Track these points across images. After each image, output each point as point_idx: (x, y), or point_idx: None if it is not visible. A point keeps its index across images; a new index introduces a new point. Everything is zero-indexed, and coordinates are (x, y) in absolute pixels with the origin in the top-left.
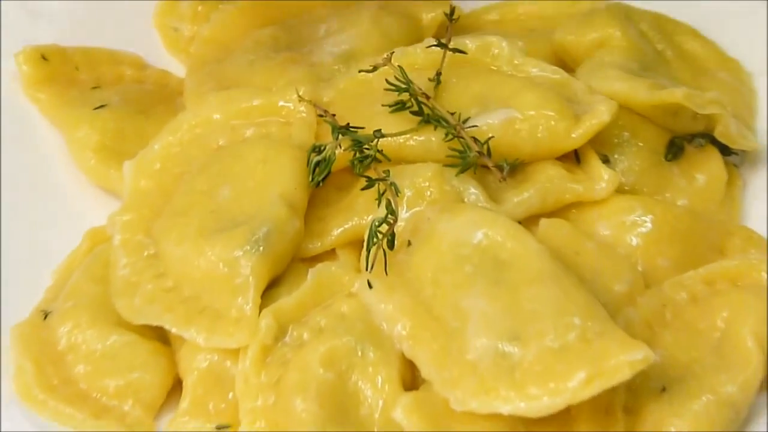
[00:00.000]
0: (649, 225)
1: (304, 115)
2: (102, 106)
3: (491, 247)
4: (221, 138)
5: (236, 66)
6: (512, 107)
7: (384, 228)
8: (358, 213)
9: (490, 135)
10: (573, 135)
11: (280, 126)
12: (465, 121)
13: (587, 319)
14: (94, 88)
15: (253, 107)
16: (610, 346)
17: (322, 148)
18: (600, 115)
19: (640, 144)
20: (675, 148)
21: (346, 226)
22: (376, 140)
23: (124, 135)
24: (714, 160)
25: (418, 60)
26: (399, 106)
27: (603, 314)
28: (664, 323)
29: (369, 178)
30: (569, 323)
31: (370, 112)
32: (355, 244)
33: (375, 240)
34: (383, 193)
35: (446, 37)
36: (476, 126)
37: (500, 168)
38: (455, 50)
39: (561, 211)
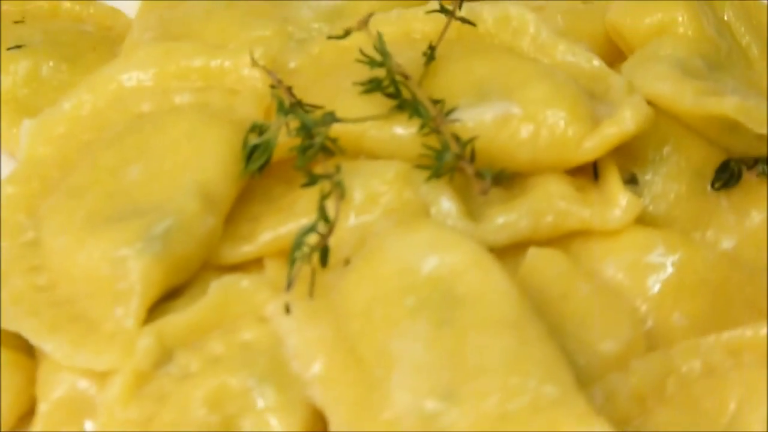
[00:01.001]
0: (669, 269)
1: (255, 83)
2: (18, 47)
3: (446, 278)
4: (146, 103)
5: (191, 13)
6: (513, 100)
7: (313, 239)
8: (298, 215)
9: (477, 134)
10: (586, 145)
11: (224, 95)
12: (450, 113)
13: (544, 381)
14: (17, 22)
15: (193, 68)
16: (562, 419)
17: (264, 128)
18: (623, 122)
19: (683, 164)
20: (727, 174)
21: (280, 231)
22: (328, 125)
23: (39, 87)
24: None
25: (416, 27)
26: (372, 86)
27: (567, 378)
28: (663, 398)
29: (310, 174)
30: (520, 384)
31: (339, 90)
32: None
33: (301, 253)
34: (327, 195)
35: (456, 1)
36: (462, 120)
37: (482, 176)
38: (463, 20)
39: (562, 239)
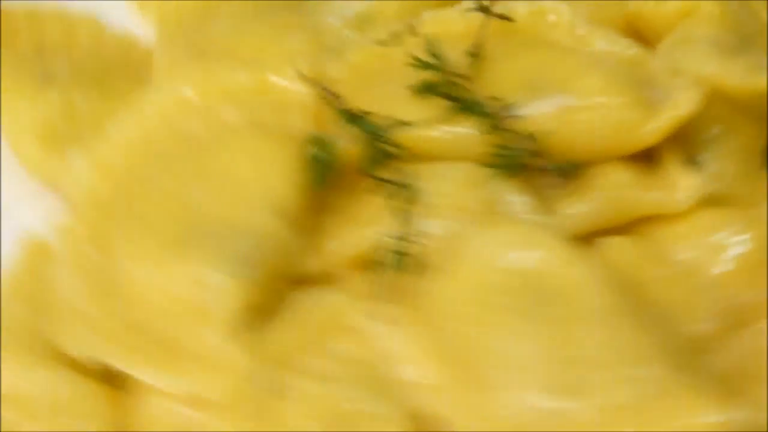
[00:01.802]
0: (742, 247)
1: (302, 96)
2: (48, 80)
3: (537, 274)
4: (196, 123)
5: (219, 31)
6: (569, 92)
7: (392, 245)
8: (368, 224)
9: (539, 128)
10: (647, 129)
11: (273, 110)
12: (510, 109)
13: (655, 368)
14: (38, 55)
15: (238, 86)
16: (692, 404)
17: (324, 140)
18: (683, 105)
19: (734, 143)
20: None
21: (352, 241)
22: (394, 131)
23: (75, 117)
24: None
25: (453, 27)
26: (426, 89)
27: (682, 363)
28: (753, 376)
29: (381, 180)
30: (638, 374)
31: (389, 95)
32: (365, 264)
33: (384, 260)
34: (399, 201)
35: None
36: (525, 115)
37: (553, 170)
38: (501, 16)
39: (628, 227)
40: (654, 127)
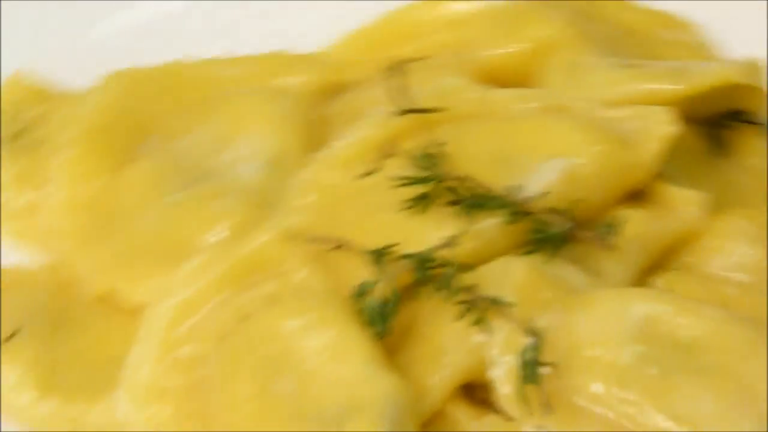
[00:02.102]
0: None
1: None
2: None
3: (660, 329)
4: (229, 329)
5: (138, 223)
6: (559, 154)
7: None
8: (452, 349)
9: (556, 195)
10: (643, 159)
11: (284, 282)
12: (519, 190)
13: None
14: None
15: (236, 275)
16: None
17: (367, 288)
18: (663, 126)
19: (681, 146)
20: (714, 139)
21: (446, 372)
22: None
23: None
24: (756, 137)
25: (382, 134)
26: (421, 202)
27: None
28: None
29: (459, 304)
30: None
31: (377, 220)
32: (465, 389)
33: (521, 374)
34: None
35: (397, 98)
36: (533, 192)
37: (600, 235)
38: (425, 110)
39: (665, 262)
40: (651, 155)
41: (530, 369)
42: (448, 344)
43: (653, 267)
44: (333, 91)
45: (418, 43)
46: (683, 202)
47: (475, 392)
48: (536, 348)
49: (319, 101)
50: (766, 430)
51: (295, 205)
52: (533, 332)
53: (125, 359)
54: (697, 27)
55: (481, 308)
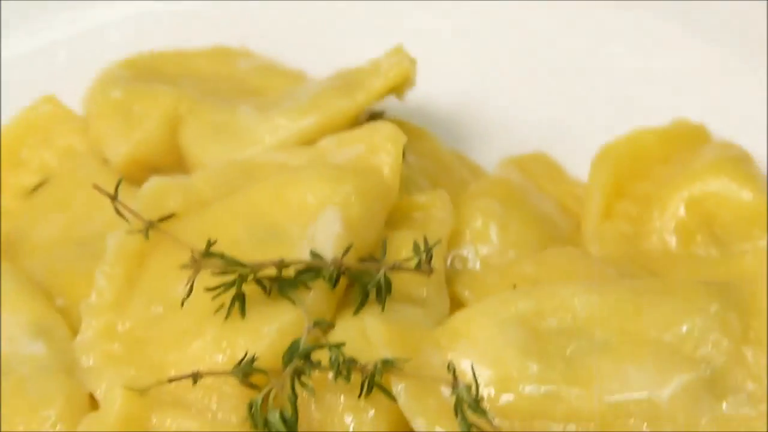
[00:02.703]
0: None
1: None
2: None
3: (542, 325)
4: None
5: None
6: (322, 207)
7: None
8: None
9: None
10: (391, 179)
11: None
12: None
13: None
14: None
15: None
16: None
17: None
18: (393, 140)
19: None
20: None
21: None
22: None
23: None
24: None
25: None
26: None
27: None
28: None
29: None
30: None
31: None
32: None
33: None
34: None
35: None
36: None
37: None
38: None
39: None
40: (393, 175)
41: (476, 408)
42: (358, 421)
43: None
44: None
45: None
46: (431, 206)
47: None
48: (469, 389)
49: None
50: (698, 373)
51: None
52: (453, 372)
53: None
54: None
55: (371, 376)
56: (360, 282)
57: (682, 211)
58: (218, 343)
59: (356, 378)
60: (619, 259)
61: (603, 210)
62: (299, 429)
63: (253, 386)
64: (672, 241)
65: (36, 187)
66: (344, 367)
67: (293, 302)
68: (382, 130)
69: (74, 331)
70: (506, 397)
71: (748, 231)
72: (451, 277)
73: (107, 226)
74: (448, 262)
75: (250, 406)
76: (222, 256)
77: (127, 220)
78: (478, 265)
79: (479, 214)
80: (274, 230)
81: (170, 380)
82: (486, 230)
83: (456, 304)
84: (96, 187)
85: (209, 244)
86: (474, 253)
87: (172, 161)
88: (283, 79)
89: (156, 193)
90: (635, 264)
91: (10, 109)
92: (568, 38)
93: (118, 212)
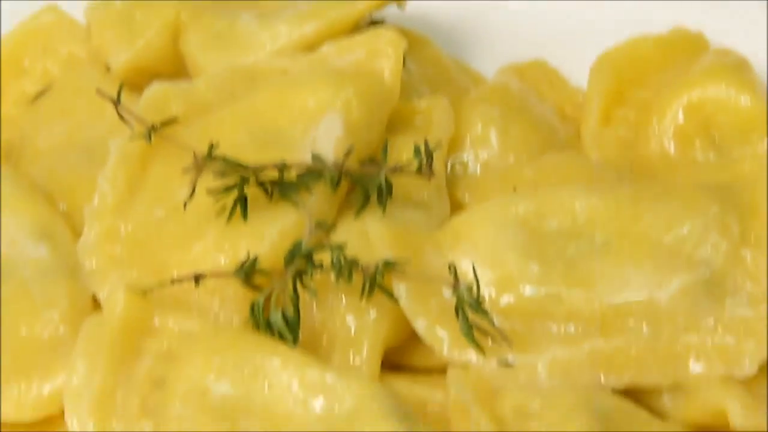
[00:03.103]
0: None
1: None
2: None
3: (542, 226)
4: None
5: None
6: (324, 112)
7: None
8: (365, 326)
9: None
10: (392, 82)
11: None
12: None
13: None
14: None
15: None
16: None
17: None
18: (394, 44)
19: None
20: None
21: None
22: None
23: None
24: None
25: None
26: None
27: None
28: None
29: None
30: None
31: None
32: None
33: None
34: None
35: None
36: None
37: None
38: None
39: None
40: (393, 79)
41: (477, 308)
42: (359, 322)
43: None
44: None
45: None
46: (431, 111)
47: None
48: (470, 290)
49: None
50: (697, 275)
51: None
52: (454, 273)
53: None
54: None
55: (373, 277)
56: (361, 185)
57: (680, 117)
58: (220, 244)
59: (358, 279)
60: (618, 163)
61: (602, 116)
62: (301, 330)
63: (255, 287)
64: (671, 146)
65: (38, 95)
66: (346, 268)
67: (295, 205)
68: (382, 35)
69: (77, 235)
70: (507, 298)
71: (747, 136)
72: (451, 182)
73: (109, 133)
74: (449, 167)
75: (252, 307)
76: (224, 159)
77: (129, 126)
78: (478, 170)
79: (479, 120)
80: (276, 134)
81: (173, 282)
82: (486, 135)
83: (456, 207)
84: (99, 92)
85: (211, 147)
86: (474, 158)
87: (174, 68)
88: None
89: (158, 98)
90: (634, 169)
91: (13, 18)
92: None
93: (120, 117)
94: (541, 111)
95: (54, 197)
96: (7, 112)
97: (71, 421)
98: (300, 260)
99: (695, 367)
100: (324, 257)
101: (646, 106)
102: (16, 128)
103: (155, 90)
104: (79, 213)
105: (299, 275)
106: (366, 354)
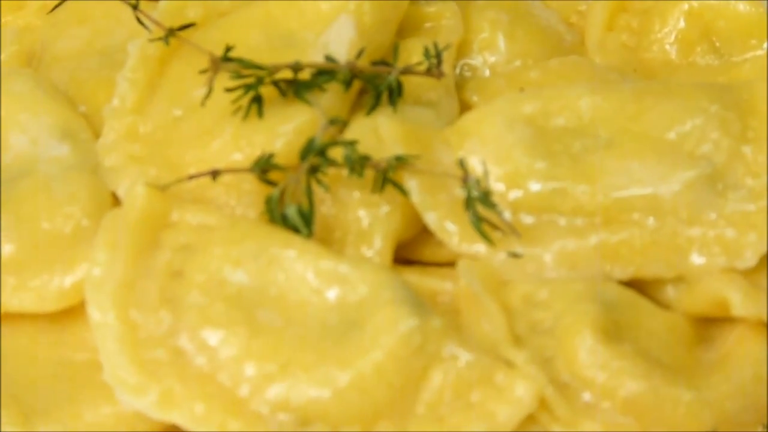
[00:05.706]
0: None
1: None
2: None
3: (548, 123)
4: None
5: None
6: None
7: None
8: (377, 220)
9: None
10: None
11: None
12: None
13: None
14: None
15: None
16: None
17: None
18: None
19: None
20: None
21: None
22: None
23: None
24: None
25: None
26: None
27: None
28: None
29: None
30: None
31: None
32: None
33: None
34: None
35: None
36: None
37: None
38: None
39: None
40: None
41: (486, 201)
42: (371, 216)
43: None
44: None
45: None
46: (440, 16)
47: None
48: (479, 184)
49: None
50: (699, 170)
51: None
52: (463, 168)
53: None
54: None
55: (385, 171)
56: (373, 85)
57: (682, 23)
58: (236, 141)
59: (369, 175)
60: (621, 67)
61: (606, 22)
62: (314, 223)
63: (271, 183)
64: (672, 51)
65: (58, 4)
66: (358, 163)
67: (309, 103)
68: None
69: (97, 135)
70: (515, 193)
71: (747, 42)
72: (459, 84)
73: (128, 39)
74: (457, 70)
75: (268, 201)
76: (240, 60)
77: (148, 30)
78: (486, 73)
79: (487, 24)
80: (290, 37)
81: (190, 177)
82: (494, 39)
83: (465, 108)
84: None
85: (227, 48)
86: (482, 62)
87: None
88: None
89: (176, 4)
90: (637, 72)
91: None
92: None
93: (139, 21)
94: (547, 17)
95: (74, 100)
96: (30, 23)
97: (92, 311)
98: (314, 156)
99: (698, 259)
100: (337, 153)
101: (648, 13)
102: (37, 36)
103: None
104: (98, 115)
105: (313, 170)
106: (378, 246)
